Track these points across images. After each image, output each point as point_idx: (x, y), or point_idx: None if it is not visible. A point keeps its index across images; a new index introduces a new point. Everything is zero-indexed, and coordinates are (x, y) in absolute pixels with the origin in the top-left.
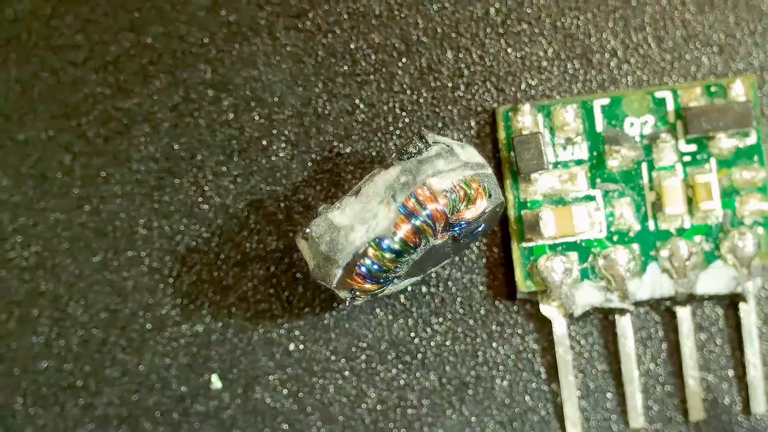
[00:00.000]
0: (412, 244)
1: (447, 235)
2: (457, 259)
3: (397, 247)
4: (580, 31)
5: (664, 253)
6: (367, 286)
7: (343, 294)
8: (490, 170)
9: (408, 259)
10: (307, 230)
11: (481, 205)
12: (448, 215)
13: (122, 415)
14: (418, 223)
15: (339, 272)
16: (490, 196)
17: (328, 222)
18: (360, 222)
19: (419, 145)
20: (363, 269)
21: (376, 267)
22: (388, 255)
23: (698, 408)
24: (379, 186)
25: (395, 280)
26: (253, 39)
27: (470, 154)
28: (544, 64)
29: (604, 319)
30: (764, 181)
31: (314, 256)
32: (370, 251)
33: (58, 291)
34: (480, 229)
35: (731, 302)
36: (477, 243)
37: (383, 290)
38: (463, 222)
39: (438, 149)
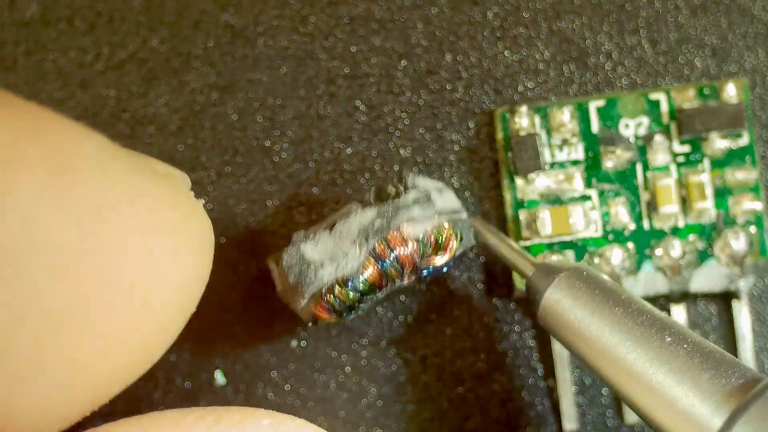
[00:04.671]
0: (377, 286)
1: (414, 278)
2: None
3: (362, 287)
4: (576, 34)
5: (658, 251)
6: (328, 316)
7: (305, 318)
8: (465, 215)
9: (371, 297)
10: (280, 257)
11: (451, 252)
12: (417, 261)
13: (127, 411)
14: (385, 266)
15: (303, 302)
16: (461, 239)
17: (300, 254)
18: (330, 259)
19: (398, 186)
20: (326, 303)
21: (339, 303)
22: (352, 294)
23: None
24: (353, 227)
25: (357, 312)
26: (257, 42)
27: (447, 199)
28: (541, 66)
29: None
30: (756, 181)
31: (282, 282)
32: (336, 289)
33: None
34: (445, 269)
35: (724, 300)
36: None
37: (345, 320)
38: (431, 267)
39: (415, 196)
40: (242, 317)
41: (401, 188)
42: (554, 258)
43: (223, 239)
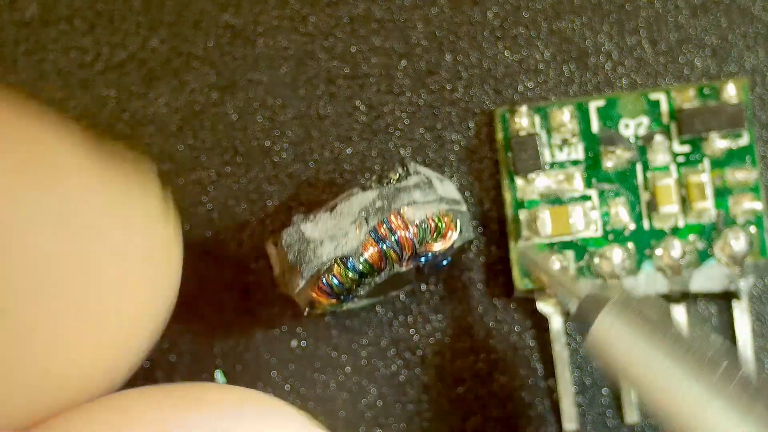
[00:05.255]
0: (376, 268)
1: (412, 264)
2: (455, 258)
3: (361, 268)
4: (576, 34)
5: (658, 251)
6: (326, 299)
7: (302, 303)
8: (464, 207)
9: (370, 281)
10: (279, 238)
11: (450, 240)
12: (416, 245)
13: None
14: (385, 248)
15: (302, 283)
16: (461, 232)
17: (300, 233)
18: (330, 238)
19: (400, 172)
20: (325, 283)
21: (338, 284)
22: (351, 274)
23: None
24: (354, 207)
25: (355, 299)
26: (257, 42)
27: (448, 189)
28: (541, 66)
29: None
30: (756, 181)
31: (281, 263)
32: (335, 268)
33: None
34: (444, 263)
35: (724, 300)
36: (475, 242)
37: (341, 306)
38: (429, 254)
39: (417, 180)
40: (242, 318)
41: (402, 173)
42: (554, 257)
43: (222, 239)
